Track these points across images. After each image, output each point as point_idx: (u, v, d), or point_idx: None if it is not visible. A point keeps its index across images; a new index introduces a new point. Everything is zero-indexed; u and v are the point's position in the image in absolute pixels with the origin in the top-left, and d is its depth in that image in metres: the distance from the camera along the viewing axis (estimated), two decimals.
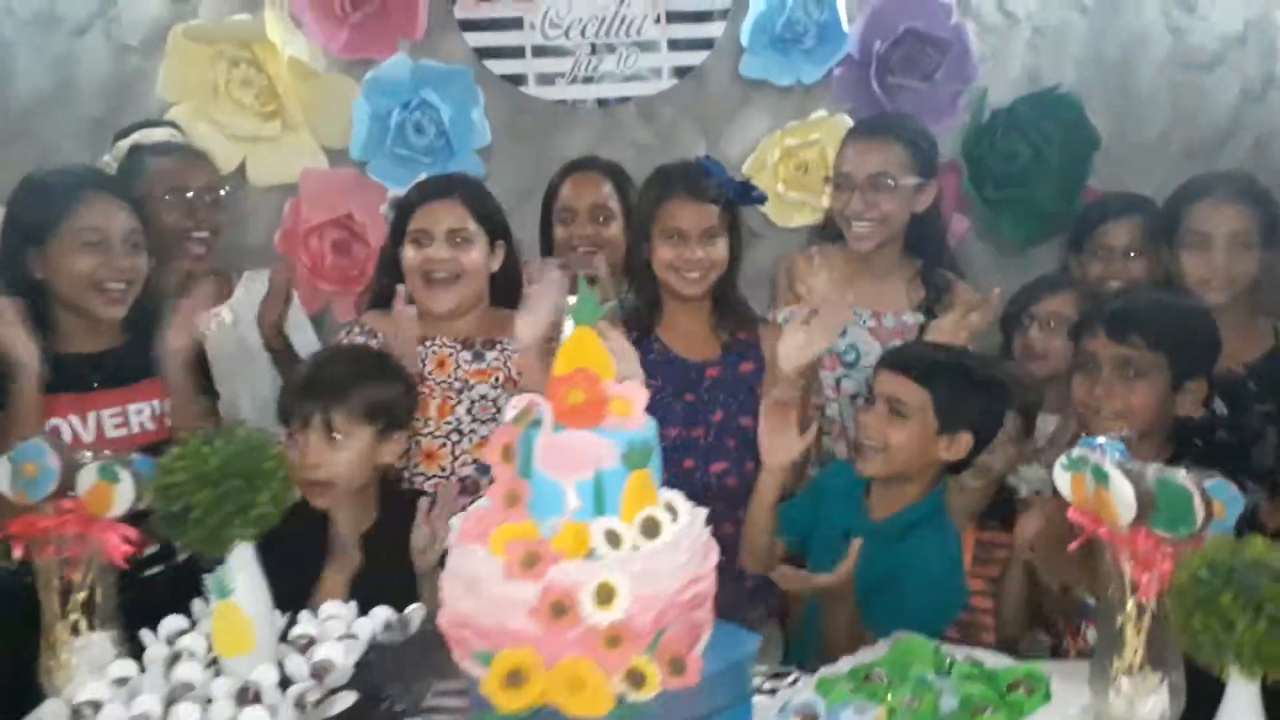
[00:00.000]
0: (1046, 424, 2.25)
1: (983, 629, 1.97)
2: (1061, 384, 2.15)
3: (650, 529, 1.28)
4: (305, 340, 2.50)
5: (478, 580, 1.26)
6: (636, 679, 1.23)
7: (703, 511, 1.39)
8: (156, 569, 1.83)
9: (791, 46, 2.79)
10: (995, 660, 1.64)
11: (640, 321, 2.19)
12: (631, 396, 1.33)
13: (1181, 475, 1.33)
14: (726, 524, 2.11)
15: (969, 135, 2.84)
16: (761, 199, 2.24)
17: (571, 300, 1.95)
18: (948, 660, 1.63)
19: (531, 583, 1.22)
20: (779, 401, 1.89)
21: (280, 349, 2.34)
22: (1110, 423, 1.82)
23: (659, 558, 1.26)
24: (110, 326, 1.99)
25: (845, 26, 2.78)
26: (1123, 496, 1.33)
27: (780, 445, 1.86)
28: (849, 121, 2.77)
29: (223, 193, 2.38)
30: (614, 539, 1.26)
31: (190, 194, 2.29)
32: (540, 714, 1.20)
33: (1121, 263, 2.40)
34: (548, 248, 2.54)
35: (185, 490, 1.33)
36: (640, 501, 1.29)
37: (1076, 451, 1.42)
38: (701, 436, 2.17)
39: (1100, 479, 1.36)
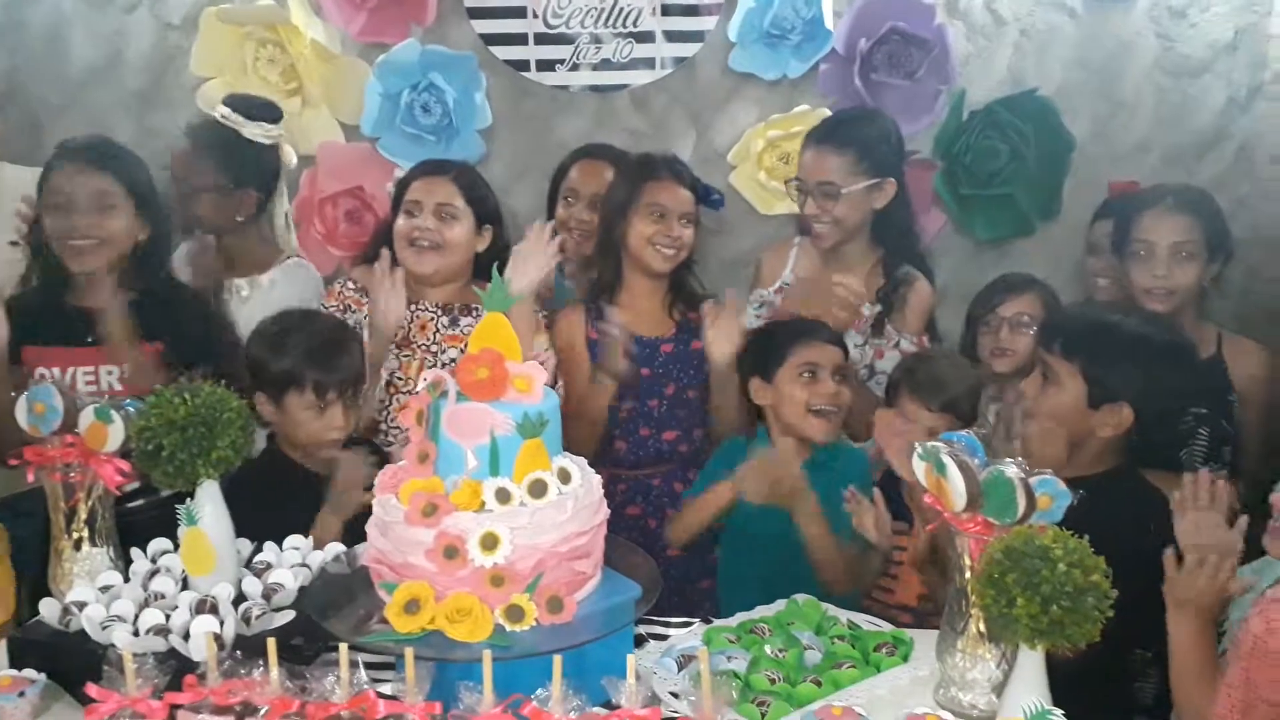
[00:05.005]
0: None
1: None
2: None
3: (537, 490, 1.50)
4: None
5: (388, 524, 1.51)
6: (515, 614, 1.46)
7: (596, 478, 1.61)
8: (140, 501, 2.08)
9: (779, 42, 2.92)
10: (873, 625, 1.83)
11: (599, 299, 2.36)
12: (532, 375, 1.55)
13: (1011, 470, 1.50)
14: (676, 483, 2.39)
15: (946, 134, 2.94)
16: (718, 205, 2.40)
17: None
18: (833, 622, 1.83)
19: (429, 529, 1.46)
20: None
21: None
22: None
23: (541, 514, 1.48)
24: (99, 285, 2.13)
25: (830, 24, 2.90)
26: (956, 485, 1.51)
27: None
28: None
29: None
30: (503, 496, 1.48)
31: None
32: (430, 636, 1.44)
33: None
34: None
35: (157, 433, 1.59)
36: (531, 465, 1.51)
37: (930, 443, 1.60)
38: (655, 407, 2.37)
39: (940, 469, 1.54)
